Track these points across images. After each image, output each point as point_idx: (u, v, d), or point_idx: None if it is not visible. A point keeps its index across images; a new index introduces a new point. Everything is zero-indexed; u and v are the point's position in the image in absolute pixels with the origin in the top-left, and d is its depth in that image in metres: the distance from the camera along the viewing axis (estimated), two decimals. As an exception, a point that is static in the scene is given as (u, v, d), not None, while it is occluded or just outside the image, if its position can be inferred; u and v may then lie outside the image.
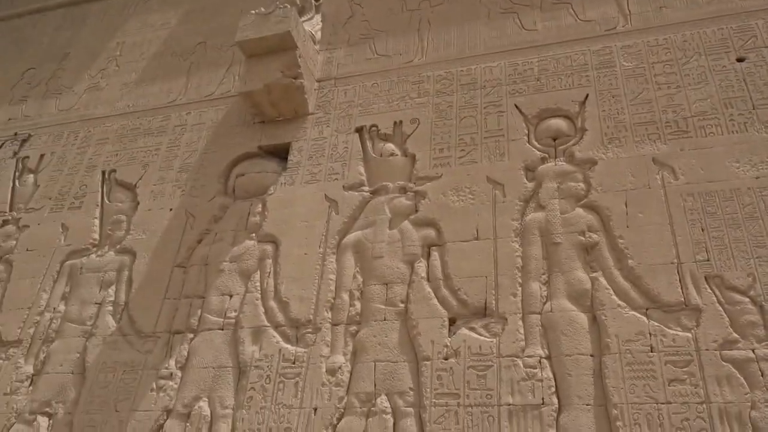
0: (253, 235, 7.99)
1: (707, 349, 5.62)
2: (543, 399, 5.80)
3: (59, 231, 9.10)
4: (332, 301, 7.12)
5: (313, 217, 7.82)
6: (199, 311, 7.53)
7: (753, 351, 5.52)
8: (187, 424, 6.74)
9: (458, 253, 6.92)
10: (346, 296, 7.09)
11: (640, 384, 5.62)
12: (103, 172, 9.59)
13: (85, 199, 9.37)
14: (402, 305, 6.81)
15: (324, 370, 6.63)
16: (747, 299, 5.78)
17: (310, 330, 6.97)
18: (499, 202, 7.15)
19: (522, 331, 6.24)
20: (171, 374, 7.14)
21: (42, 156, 10.28)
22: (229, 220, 8.29)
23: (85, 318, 8.02)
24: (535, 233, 6.81)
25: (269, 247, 7.79)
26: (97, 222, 9.04)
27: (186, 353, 7.27)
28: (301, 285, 7.30)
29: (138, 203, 9.00)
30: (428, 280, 6.91)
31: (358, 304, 7.01)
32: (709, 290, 5.92)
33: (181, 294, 7.79)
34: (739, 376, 5.43)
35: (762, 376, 5.38)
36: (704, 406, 5.38)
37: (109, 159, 9.75)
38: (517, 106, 7.81)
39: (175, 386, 7.05)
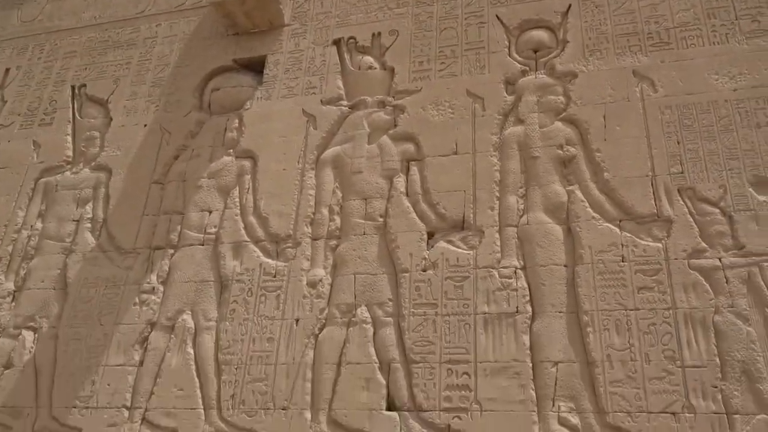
0: (231, 150, 7.91)
1: (676, 258, 5.81)
2: (517, 307, 6.00)
3: (31, 148, 8.91)
4: (312, 216, 7.15)
5: (291, 132, 7.73)
6: (178, 227, 7.55)
7: (720, 260, 5.72)
8: (172, 335, 6.90)
9: (437, 168, 6.93)
10: (325, 211, 7.13)
11: (610, 292, 5.83)
12: (73, 87, 9.30)
13: (56, 115, 9.12)
14: (381, 219, 6.87)
15: (305, 283, 6.75)
16: (717, 210, 5.92)
17: (290, 245, 7.03)
18: (479, 116, 7.10)
19: (498, 243, 6.37)
20: (153, 289, 7.23)
21: (7, 70, 9.89)
22: (206, 136, 8.16)
23: (63, 235, 8.00)
24: (513, 147, 6.82)
25: (247, 163, 7.73)
26: (69, 138, 8.85)
27: (167, 268, 7.33)
28: (281, 200, 7.31)
29: (111, 119, 8.79)
30: (407, 194, 6.95)
31: (337, 219, 7.06)
32: (681, 202, 6.05)
33: (159, 210, 7.77)
34: (704, 283, 5.65)
35: (726, 282, 5.60)
36: (670, 311, 5.62)
37: (78, 73, 9.42)
38: (498, 17, 7.61)
39: (158, 300, 7.16)
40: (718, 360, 5.34)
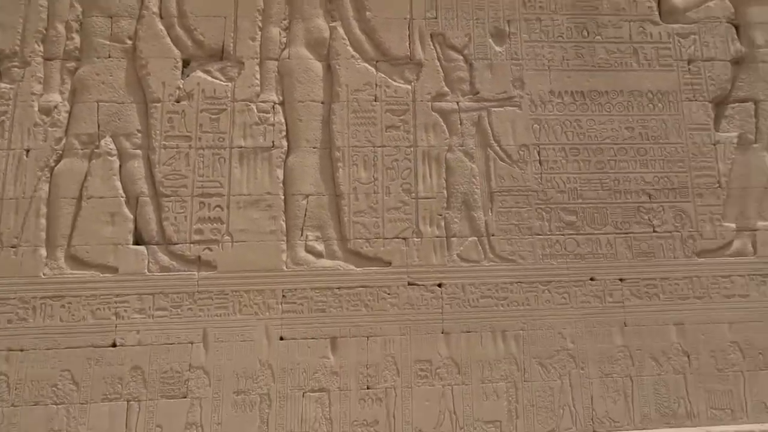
0: (-76, -65, 6.27)
1: (422, 101, 6.28)
2: (273, 142, 6.06)
3: None
4: (44, 32, 6.16)
5: (10, -75, 6.33)
6: None
7: (458, 103, 6.31)
8: None
9: (195, -11, 6.33)
10: (61, 27, 6.18)
11: (362, 130, 6.15)
12: None
13: None
14: (129, 42, 6.19)
15: (36, 109, 5.96)
16: (461, 57, 6.42)
17: (16, 64, 6.05)
18: (243, -64, 6.50)
19: (258, 76, 6.21)
20: None
21: None
22: None
23: None
24: (280, -26, 6.46)
25: (-50, -43, 6.24)
26: None
27: None
28: (2, 10, 6.13)
29: None
30: (161, 16, 6.29)
31: (76, 38, 6.19)
32: (432, 47, 6.41)
33: None
34: (443, 124, 6.26)
35: (460, 124, 6.26)
36: (412, 149, 6.17)
37: None
38: None
39: None
40: (445, 192, 6.10)
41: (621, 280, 6.13)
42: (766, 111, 6.72)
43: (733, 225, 6.40)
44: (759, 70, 6.80)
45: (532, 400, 5.78)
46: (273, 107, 6.15)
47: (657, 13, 6.82)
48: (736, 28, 6.92)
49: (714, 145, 6.56)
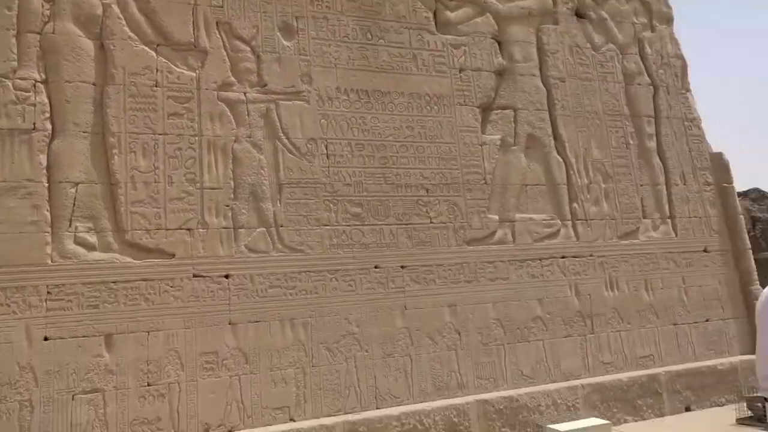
0: None
1: (207, 89, 6.08)
2: (35, 124, 5.40)
3: None
4: None
5: None
6: None
7: (245, 94, 6.23)
8: None
9: (-64, -54, 5.43)
10: None
11: (140, 116, 5.77)
12: None
13: None
14: None
15: None
16: (248, 48, 6.36)
17: None
18: None
19: (15, 50, 5.50)
20: None
21: None
22: None
23: None
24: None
25: None
26: None
27: None
28: None
29: None
30: None
31: None
32: (218, 35, 6.25)
33: None
34: (230, 114, 6.12)
35: (248, 115, 6.18)
36: (196, 138, 5.94)
37: None
38: None
39: None
40: (232, 183, 5.97)
41: (402, 267, 6.53)
42: (523, 118, 7.67)
43: (497, 217, 7.19)
44: (517, 82, 7.75)
45: (320, 383, 5.87)
46: (34, 86, 5.49)
47: (433, 23, 7.43)
48: (499, 43, 7.82)
49: (481, 146, 7.31)
